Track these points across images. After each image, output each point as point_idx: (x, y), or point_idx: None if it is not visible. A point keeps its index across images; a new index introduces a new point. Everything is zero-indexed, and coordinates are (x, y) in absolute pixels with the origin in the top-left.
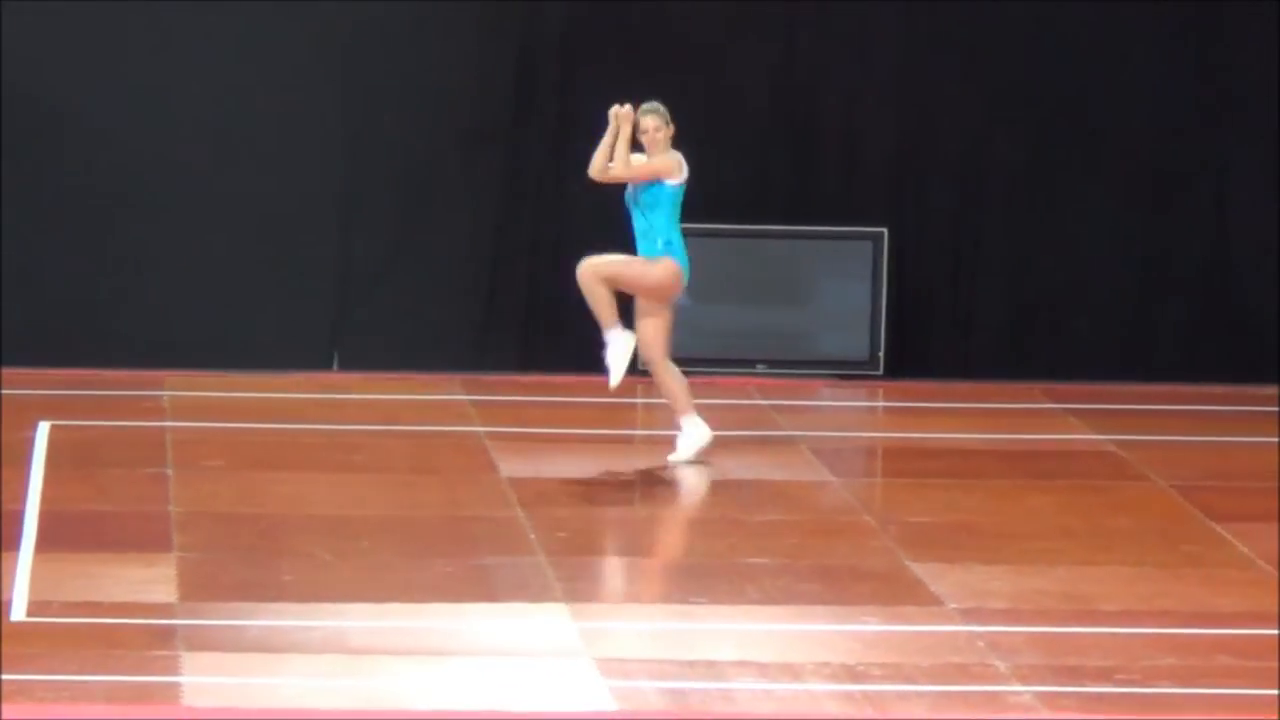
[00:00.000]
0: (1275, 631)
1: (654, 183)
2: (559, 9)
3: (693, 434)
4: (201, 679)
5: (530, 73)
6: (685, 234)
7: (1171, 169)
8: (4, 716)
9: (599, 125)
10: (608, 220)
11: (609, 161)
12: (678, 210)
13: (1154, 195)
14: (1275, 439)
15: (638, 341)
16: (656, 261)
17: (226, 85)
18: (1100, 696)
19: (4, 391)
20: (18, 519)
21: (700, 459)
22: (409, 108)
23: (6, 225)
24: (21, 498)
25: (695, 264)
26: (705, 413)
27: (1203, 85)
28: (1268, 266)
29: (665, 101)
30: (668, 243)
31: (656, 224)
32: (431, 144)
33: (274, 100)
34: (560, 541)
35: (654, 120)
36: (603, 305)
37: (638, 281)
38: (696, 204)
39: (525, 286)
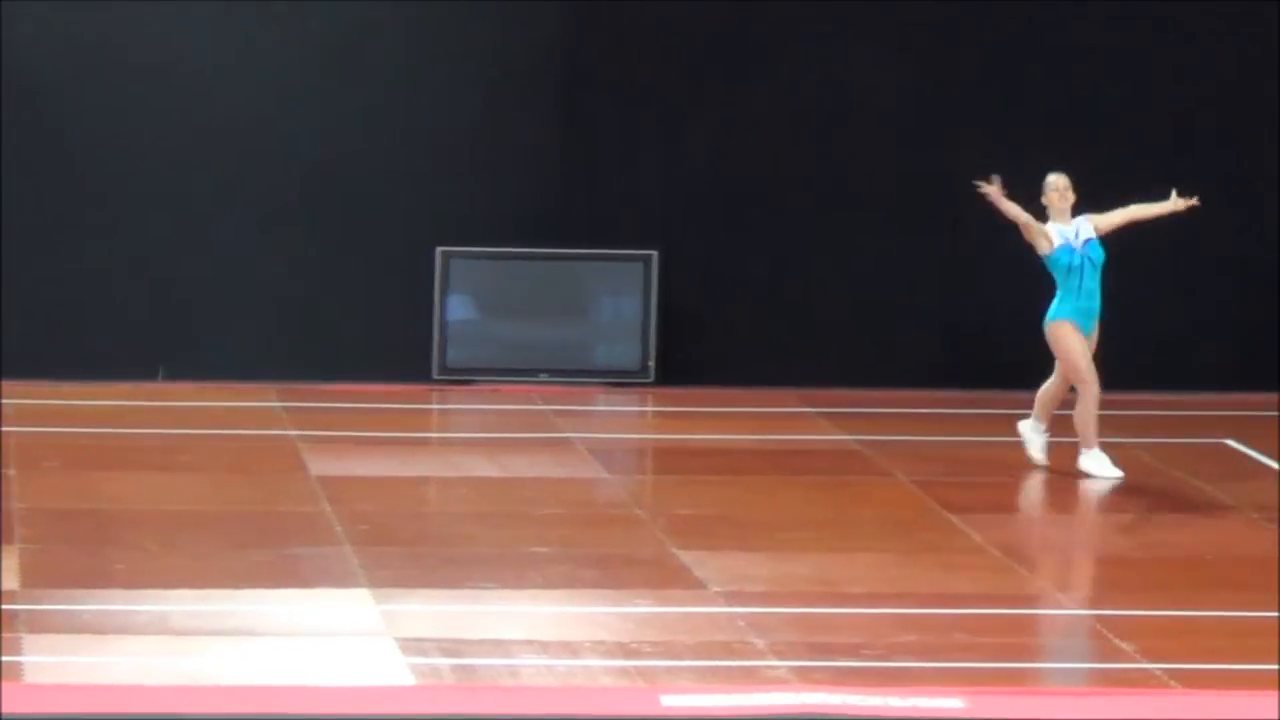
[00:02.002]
0: (1006, 611)
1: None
2: (358, 10)
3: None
4: (41, 658)
5: (332, 103)
6: (479, 257)
7: (910, 188)
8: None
9: (393, 156)
10: (420, 238)
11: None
12: (1058, 277)
13: (895, 213)
14: (1004, 439)
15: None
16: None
17: (59, 106)
18: (849, 670)
19: None
20: None
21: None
22: (229, 136)
23: None
24: None
25: (487, 282)
26: (493, 417)
27: (938, 105)
28: (998, 278)
29: (449, 131)
30: (1054, 303)
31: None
32: (246, 170)
33: (103, 120)
34: (363, 533)
35: (1057, 183)
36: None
37: (1066, 361)
38: (487, 228)
39: (335, 303)
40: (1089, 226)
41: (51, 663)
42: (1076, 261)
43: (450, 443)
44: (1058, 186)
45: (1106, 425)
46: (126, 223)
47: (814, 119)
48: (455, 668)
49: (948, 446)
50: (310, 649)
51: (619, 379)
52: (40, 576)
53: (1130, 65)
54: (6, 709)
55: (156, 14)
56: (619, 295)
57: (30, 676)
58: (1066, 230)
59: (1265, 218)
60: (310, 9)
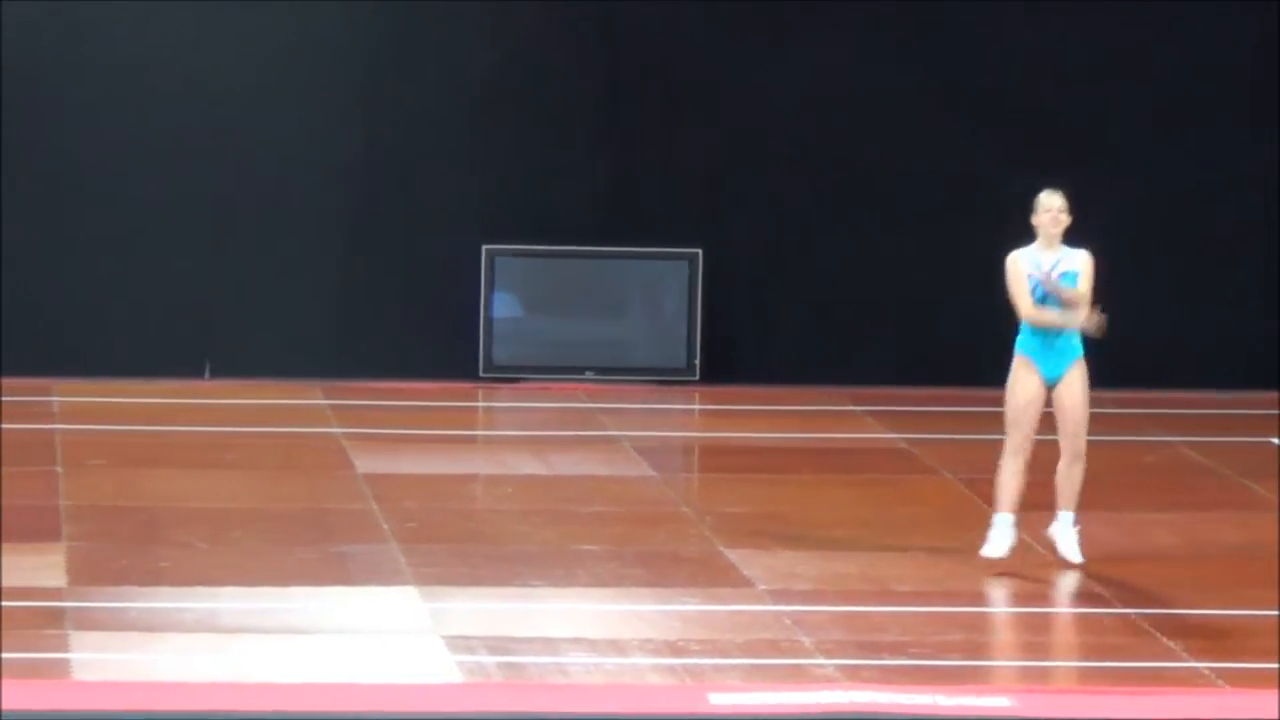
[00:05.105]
0: (1053, 609)
1: None
2: (401, 8)
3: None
4: (88, 655)
5: (377, 104)
6: (524, 255)
7: (956, 185)
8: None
9: (437, 155)
10: (465, 236)
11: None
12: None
13: (941, 210)
14: (1050, 436)
15: None
16: None
17: (104, 107)
18: (896, 669)
19: None
20: None
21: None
22: (275, 136)
23: None
24: None
25: (532, 280)
26: (539, 415)
27: (987, 105)
28: None
29: (494, 129)
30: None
31: None
32: (292, 169)
33: (147, 120)
34: (410, 530)
35: (1049, 203)
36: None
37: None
38: (532, 226)
39: (380, 300)
40: (1076, 260)
41: (99, 660)
42: (1039, 295)
43: (496, 440)
44: (1050, 207)
45: (1155, 423)
46: (173, 221)
47: (861, 117)
48: (502, 665)
49: (991, 444)
50: (357, 646)
51: (664, 377)
52: (87, 574)
53: (1133, 62)
54: (54, 706)
55: (190, 11)
56: (663, 293)
57: (78, 674)
58: (1043, 260)
59: None
60: (353, 7)
